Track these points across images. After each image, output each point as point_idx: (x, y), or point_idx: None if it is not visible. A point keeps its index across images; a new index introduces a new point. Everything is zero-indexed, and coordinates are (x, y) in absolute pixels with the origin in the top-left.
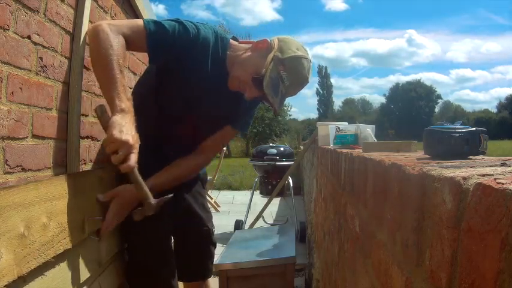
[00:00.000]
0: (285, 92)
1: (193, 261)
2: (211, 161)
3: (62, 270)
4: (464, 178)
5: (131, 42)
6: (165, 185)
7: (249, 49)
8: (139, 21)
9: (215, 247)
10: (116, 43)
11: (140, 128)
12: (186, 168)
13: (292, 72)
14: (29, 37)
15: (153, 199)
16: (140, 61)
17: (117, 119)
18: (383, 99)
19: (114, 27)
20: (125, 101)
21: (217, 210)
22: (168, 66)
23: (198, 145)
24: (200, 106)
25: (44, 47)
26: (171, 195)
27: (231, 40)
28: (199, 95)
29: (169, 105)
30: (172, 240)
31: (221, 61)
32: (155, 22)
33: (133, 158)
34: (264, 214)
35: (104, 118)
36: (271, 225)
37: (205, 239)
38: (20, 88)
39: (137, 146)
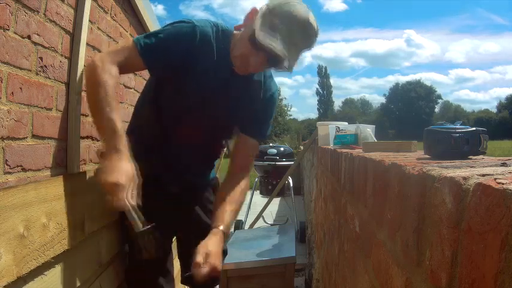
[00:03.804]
0: (287, 40)
1: None
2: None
3: (62, 270)
4: (464, 178)
5: (128, 66)
6: (232, 222)
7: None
8: (130, 41)
9: (225, 254)
10: (108, 79)
11: (149, 139)
12: (238, 199)
13: (285, 17)
14: (29, 37)
15: (142, 227)
16: None
17: (108, 163)
18: (382, 99)
19: (107, 58)
20: (121, 141)
21: None
22: (172, 74)
23: (211, 148)
24: (211, 106)
25: (44, 47)
26: (152, 225)
27: (234, 31)
28: (209, 93)
29: (178, 110)
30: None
31: (227, 54)
32: (146, 35)
33: (122, 196)
34: (264, 214)
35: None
36: (271, 225)
37: None
38: (20, 88)
39: (131, 182)
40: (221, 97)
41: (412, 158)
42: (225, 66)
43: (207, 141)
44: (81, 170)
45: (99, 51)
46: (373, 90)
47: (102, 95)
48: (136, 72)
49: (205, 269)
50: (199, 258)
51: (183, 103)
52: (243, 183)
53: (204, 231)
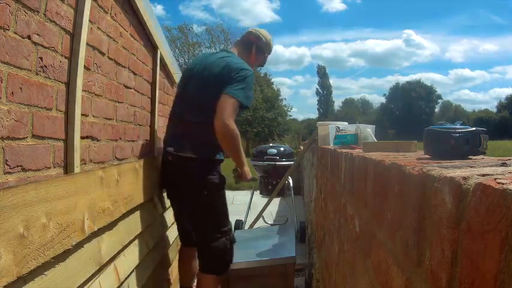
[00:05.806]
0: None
1: None
2: None
3: (62, 270)
4: (464, 178)
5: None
6: None
7: (238, 49)
8: (236, 104)
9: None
10: (238, 135)
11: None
12: None
13: (270, 41)
14: (29, 37)
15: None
16: (140, 61)
17: (246, 169)
18: (382, 99)
19: (233, 123)
20: (246, 161)
21: None
22: None
23: None
24: None
25: (44, 47)
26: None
27: (236, 54)
28: None
29: None
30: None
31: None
32: (242, 94)
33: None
34: (264, 214)
35: (238, 171)
36: (271, 225)
37: None
38: (20, 88)
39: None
40: None
41: (412, 158)
42: None
43: None
44: (81, 170)
45: (99, 51)
46: (373, 90)
47: (240, 144)
48: (137, 72)
49: None
50: None
51: None
52: None
53: None
